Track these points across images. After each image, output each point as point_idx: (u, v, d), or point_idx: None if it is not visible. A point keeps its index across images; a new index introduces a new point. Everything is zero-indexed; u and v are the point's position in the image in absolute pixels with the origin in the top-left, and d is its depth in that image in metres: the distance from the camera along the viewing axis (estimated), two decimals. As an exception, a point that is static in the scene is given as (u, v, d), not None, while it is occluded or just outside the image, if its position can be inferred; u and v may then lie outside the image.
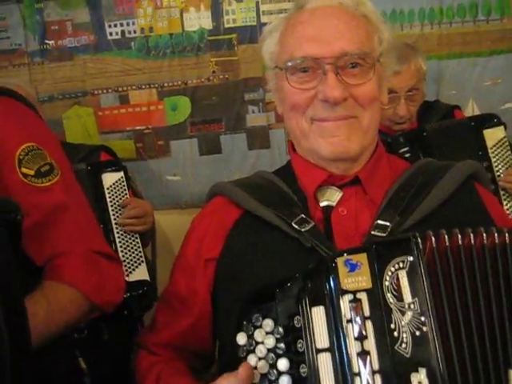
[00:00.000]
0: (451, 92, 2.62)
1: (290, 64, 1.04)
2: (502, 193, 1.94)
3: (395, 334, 0.80)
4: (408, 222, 1.00)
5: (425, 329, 0.80)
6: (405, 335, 0.80)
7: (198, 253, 1.11)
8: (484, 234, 0.86)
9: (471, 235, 0.85)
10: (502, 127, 2.00)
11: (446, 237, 0.84)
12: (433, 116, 2.24)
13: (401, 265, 0.83)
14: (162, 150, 2.60)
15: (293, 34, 1.06)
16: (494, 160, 1.96)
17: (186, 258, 1.14)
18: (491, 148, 1.97)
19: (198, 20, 2.48)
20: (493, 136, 1.98)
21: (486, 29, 2.61)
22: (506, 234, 0.86)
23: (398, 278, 0.83)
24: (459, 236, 0.85)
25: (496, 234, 0.86)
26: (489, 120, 2.03)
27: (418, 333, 0.80)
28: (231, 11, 2.48)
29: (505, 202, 1.94)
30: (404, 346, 0.80)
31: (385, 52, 1.07)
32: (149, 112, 2.56)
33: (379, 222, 1.01)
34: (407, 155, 2.02)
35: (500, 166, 1.97)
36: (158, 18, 2.47)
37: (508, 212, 1.95)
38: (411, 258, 0.83)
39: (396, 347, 0.80)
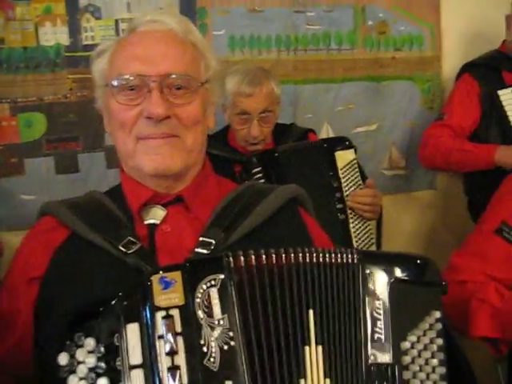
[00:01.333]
0: (307, 115, 2.76)
1: (117, 82, 1.06)
2: (349, 211, 2.05)
3: (204, 348, 0.83)
4: (232, 239, 1.04)
5: (232, 343, 0.84)
6: (213, 350, 0.83)
7: (23, 272, 1.09)
8: (287, 255, 0.92)
9: (276, 255, 0.91)
10: (352, 150, 2.11)
11: (254, 256, 0.89)
12: (288, 138, 2.33)
13: (212, 282, 0.87)
14: (15, 167, 2.48)
15: (122, 54, 1.09)
16: (343, 180, 2.06)
17: (12, 277, 1.12)
18: (341, 169, 2.07)
19: (55, 35, 2.41)
20: (344, 158, 2.08)
21: (339, 57, 2.79)
22: (309, 254, 0.92)
23: (209, 295, 0.86)
24: (265, 256, 0.90)
25: (296, 254, 0.92)
26: (340, 142, 2.13)
27: (225, 347, 0.83)
28: (89, 28, 2.45)
29: (351, 221, 2.04)
30: (212, 360, 0.83)
31: (211, 79, 1.13)
32: (0, 128, 2.44)
33: (203, 239, 1.04)
34: (260, 175, 2.09)
35: (349, 186, 2.08)
36: (11, 29, 2.38)
37: (354, 230, 2.06)
38: (222, 276, 0.87)
39: (205, 362, 0.82)
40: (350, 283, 0.92)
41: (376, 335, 0.89)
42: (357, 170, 2.09)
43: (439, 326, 0.91)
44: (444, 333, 0.91)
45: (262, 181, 2.08)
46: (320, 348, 0.87)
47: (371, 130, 2.89)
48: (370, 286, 0.92)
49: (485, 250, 1.35)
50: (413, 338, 0.90)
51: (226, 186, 1.19)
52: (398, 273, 0.93)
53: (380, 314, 0.90)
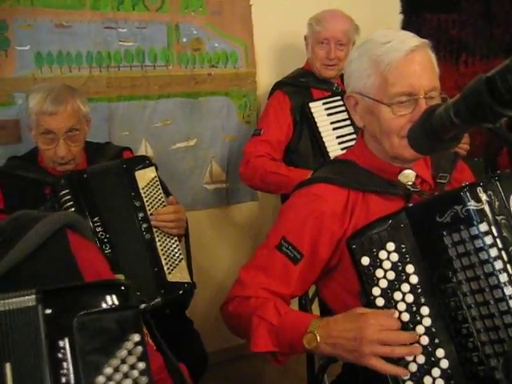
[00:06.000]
0: (124, 133, 2.71)
1: None
2: (154, 230, 2.02)
3: None
4: None
5: None
6: None
7: None
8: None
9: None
10: (152, 168, 2.09)
11: None
12: (102, 158, 2.27)
13: None
14: None
15: None
16: (146, 200, 2.04)
17: None
18: (143, 188, 2.05)
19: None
20: (144, 176, 2.06)
21: (154, 74, 2.78)
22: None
23: None
24: None
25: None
26: (140, 161, 2.11)
27: None
28: None
29: (157, 239, 2.02)
30: None
31: None
32: None
33: None
34: (68, 197, 2.01)
35: (152, 205, 2.05)
36: None
37: (162, 248, 2.02)
38: None
39: None
40: (32, 327, 0.87)
41: (63, 378, 0.85)
42: (159, 187, 2.08)
43: (140, 349, 0.88)
44: (147, 355, 0.89)
45: (71, 203, 2.01)
46: None
47: (190, 145, 2.92)
48: (52, 327, 0.87)
49: (267, 264, 1.39)
50: (109, 370, 0.87)
51: None
52: (89, 305, 0.89)
53: (66, 355, 0.86)
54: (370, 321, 1.15)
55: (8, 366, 0.83)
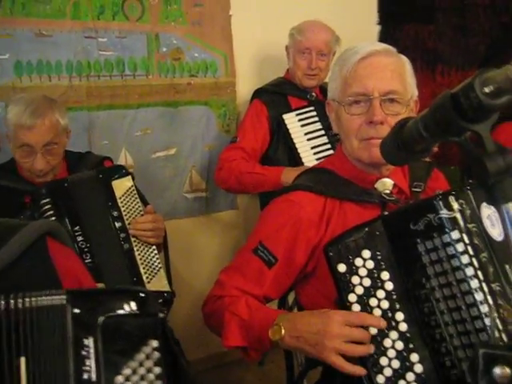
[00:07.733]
0: (103, 142, 2.72)
1: None
2: (132, 240, 2.03)
3: None
4: None
5: None
6: None
7: None
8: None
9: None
10: (129, 177, 2.10)
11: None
12: (83, 167, 2.27)
13: None
14: None
15: None
16: (123, 209, 2.05)
17: None
18: (120, 198, 2.06)
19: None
20: (121, 186, 2.07)
21: (134, 83, 2.79)
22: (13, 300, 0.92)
23: None
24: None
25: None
26: (116, 171, 2.12)
27: None
28: None
29: (136, 248, 2.03)
30: None
31: None
32: None
33: None
34: (49, 206, 2.01)
35: (130, 214, 2.06)
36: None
37: (140, 257, 2.03)
38: None
39: None
40: (59, 325, 0.92)
41: (85, 375, 0.90)
42: (136, 196, 2.09)
43: (157, 354, 0.94)
44: (163, 361, 0.94)
45: (51, 212, 2.01)
46: None
47: (171, 154, 2.94)
48: (78, 325, 0.92)
49: (244, 267, 1.43)
50: (127, 371, 0.92)
51: None
52: (113, 308, 0.95)
53: (90, 353, 0.91)
54: (335, 317, 1.16)
55: (31, 360, 0.88)
